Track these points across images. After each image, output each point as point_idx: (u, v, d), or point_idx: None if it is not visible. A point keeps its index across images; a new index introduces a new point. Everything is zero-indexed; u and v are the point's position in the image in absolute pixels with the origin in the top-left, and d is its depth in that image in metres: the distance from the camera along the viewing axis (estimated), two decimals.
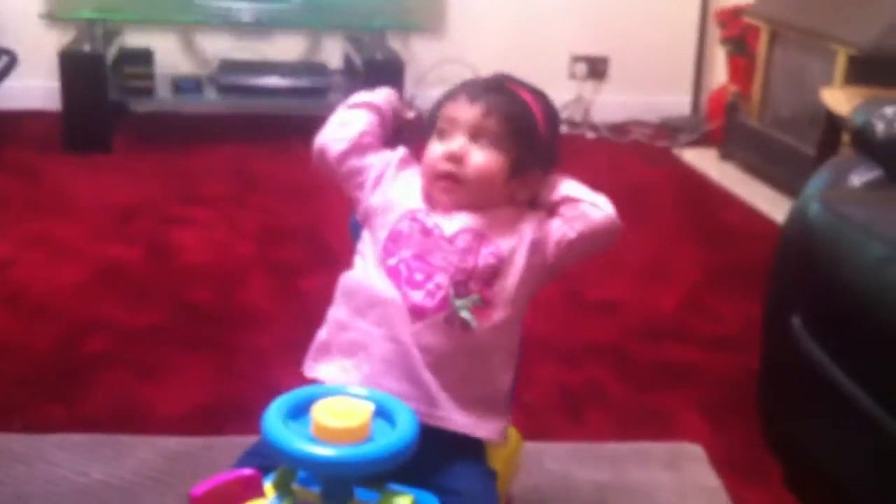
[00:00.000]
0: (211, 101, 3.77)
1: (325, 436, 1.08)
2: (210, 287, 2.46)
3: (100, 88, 3.46)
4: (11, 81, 3.53)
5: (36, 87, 3.72)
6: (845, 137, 2.83)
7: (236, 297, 2.42)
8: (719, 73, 4.07)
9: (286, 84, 3.77)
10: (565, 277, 2.53)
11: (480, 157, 1.32)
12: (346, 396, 1.13)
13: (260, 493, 1.12)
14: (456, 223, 1.31)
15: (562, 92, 4.03)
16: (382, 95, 1.44)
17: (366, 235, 1.36)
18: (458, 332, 1.27)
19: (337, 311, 1.34)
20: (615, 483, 1.74)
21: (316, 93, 3.77)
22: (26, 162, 3.33)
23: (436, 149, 1.34)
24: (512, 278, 1.30)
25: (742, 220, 3.17)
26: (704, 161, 3.71)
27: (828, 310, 1.57)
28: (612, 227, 1.36)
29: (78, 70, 3.43)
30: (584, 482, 1.73)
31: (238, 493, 1.11)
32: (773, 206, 3.16)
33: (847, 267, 1.49)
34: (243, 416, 1.75)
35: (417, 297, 1.28)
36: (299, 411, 1.13)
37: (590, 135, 4.02)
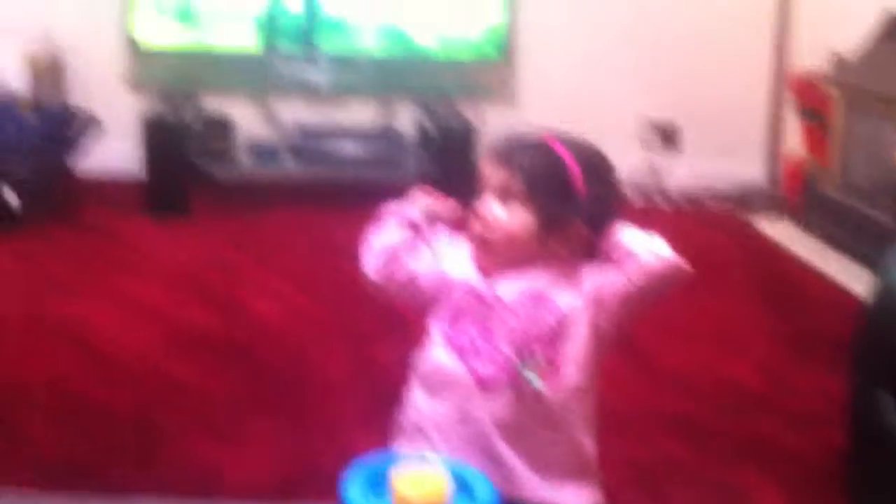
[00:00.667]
0: (288, 167, 3.83)
1: None
2: (284, 352, 2.47)
3: (181, 154, 3.55)
4: (95, 145, 3.63)
5: (118, 151, 3.81)
6: None
7: (310, 363, 2.43)
8: (792, 138, 4.03)
9: (363, 153, 3.82)
10: (637, 347, 2.54)
11: (505, 219, 1.31)
12: (426, 466, 1.13)
13: None
14: (513, 287, 1.31)
15: (633, 159, 4.03)
16: (416, 206, 1.40)
17: (433, 318, 1.37)
18: (529, 399, 1.27)
19: (411, 394, 1.36)
20: None
21: (391, 162, 3.82)
22: (108, 223, 3.42)
23: (473, 210, 1.35)
24: (576, 338, 1.30)
25: (819, 291, 3.11)
26: (780, 231, 3.66)
27: None
28: (674, 273, 1.32)
29: (160, 136, 3.53)
30: None
31: None
32: (852, 276, 3.09)
33: None
34: (316, 484, 1.74)
35: (483, 368, 1.28)
36: (378, 480, 1.13)
37: (662, 203, 4.00)
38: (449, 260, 1.37)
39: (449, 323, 1.33)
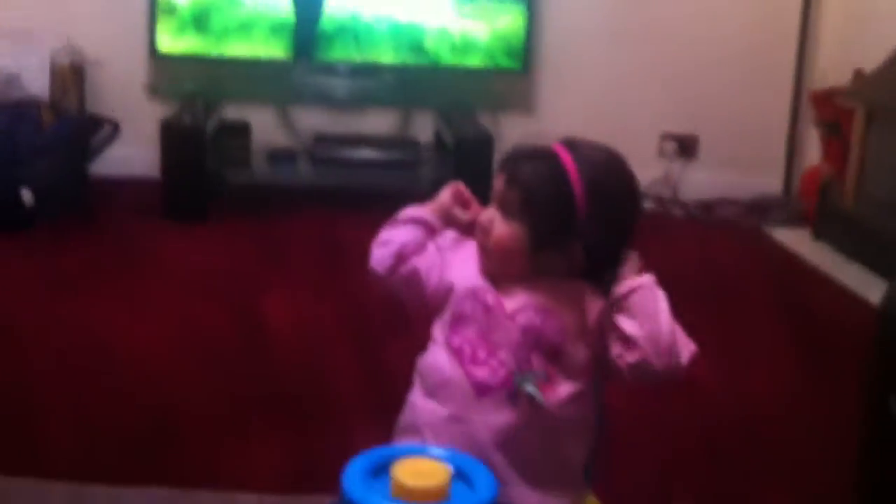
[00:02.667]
0: (305, 173, 3.85)
1: (404, 495, 1.07)
2: (296, 355, 2.48)
3: (199, 159, 3.57)
4: (114, 150, 3.66)
5: (137, 156, 3.85)
6: None
7: (321, 366, 2.43)
8: (811, 152, 4.02)
9: (378, 157, 3.84)
10: None
11: (498, 230, 1.30)
12: (427, 457, 1.13)
13: None
14: (517, 299, 1.30)
15: (651, 170, 4.02)
16: (432, 206, 1.41)
17: (437, 320, 1.36)
18: (525, 408, 1.26)
19: (412, 394, 1.36)
20: None
21: (406, 166, 3.83)
22: (125, 227, 3.44)
23: (482, 215, 1.35)
24: (578, 354, 1.29)
25: (835, 302, 3.09)
26: (796, 242, 3.64)
27: None
28: (671, 377, 1.27)
29: (178, 141, 3.54)
30: None
31: None
32: (868, 288, 3.07)
33: None
34: (322, 481, 1.75)
35: (480, 374, 1.28)
36: (379, 471, 1.13)
37: (678, 213, 3.99)
38: (457, 263, 1.36)
39: (450, 326, 1.32)
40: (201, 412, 2.16)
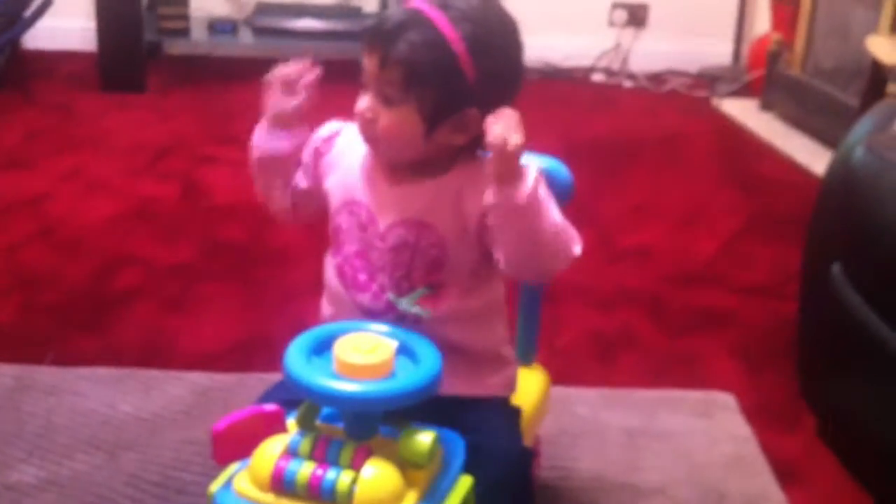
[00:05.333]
0: (245, 43, 3.74)
1: (348, 372, 1.06)
2: (241, 225, 2.45)
3: (135, 29, 3.44)
4: (47, 21, 3.51)
5: (72, 28, 3.71)
6: (891, 87, 2.75)
7: (267, 235, 2.41)
8: (762, 21, 3.97)
9: (321, 27, 3.73)
10: (600, 223, 2.54)
11: (385, 118, 1.15)
12: (369, 333, 1.11)
13: (283, 428, 1.11)
14: (391, 212, 1.19)
15: (600, 40, 3.96)
16: (266, 119, 1.30)
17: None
18: (412, 323, 1.19)
19: (325, 295, 1.30)
20: (645, 429, 1.72)
21: (350, 36, 3.72)
22: (61, 100, 3.34)
23: (358, 103, 1.18)
24: (462, 257, 1.19)
25: (781, 171, 3.10)
26: (744, 111, 3.63)
27: (870, 257, 1.53)
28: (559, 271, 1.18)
29: (114, 11, 3.40)
30: (613, 427, 1.71)
31: (260, 429, 1.10)
32: (814, 157, 3.09)
33: (890, 212, 1.45)
34: (272, 353, 1.74)
35: (363, 299, 1.22)
36: (322, 348, 1.12)
37: (627, 84, 3.95)
38: (335, 164, 1.26)
39: (333, 245, 1.25)
40: (148, 288, 2.14)
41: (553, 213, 1.14)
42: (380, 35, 1.14)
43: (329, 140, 1.29)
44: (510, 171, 1.10)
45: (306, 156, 1.29)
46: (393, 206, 1.20)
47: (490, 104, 1.12)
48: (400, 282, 1.20)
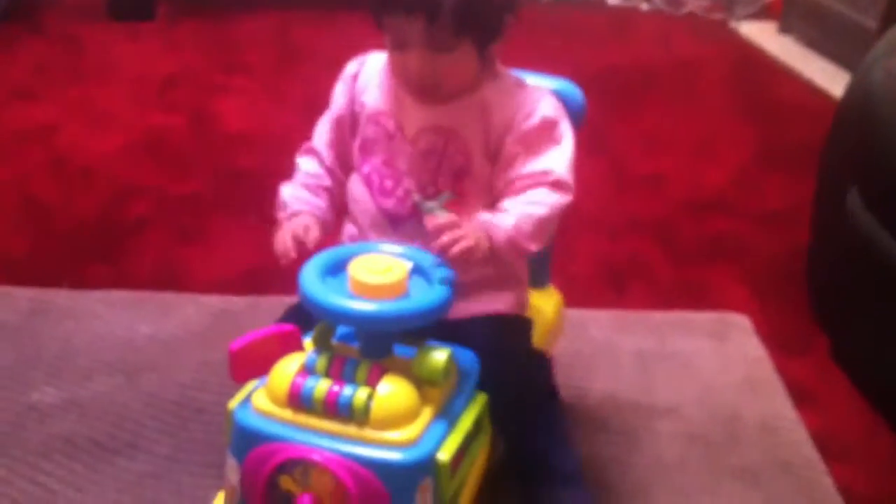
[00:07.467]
0: None
1: (362, 292, 1.07)
2: (252, 154, 2.44)
3: None
4: None
5: None
6: None
7: (278, 164, 2.39)
8: None
9: None
10: (614, 153, 2.53)
11: (444, 66, 1.16)
12: (383, 254, 1.12)
13: (299, 347, 1.12)
14: (419, 121, 1.22)
15: None
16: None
17: (354, 144, 1.30)
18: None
19: (349, 216, 1.31)
20: (658, 351, 1.72)
21: None
22: (69, 29, 3.32)
23: (401, 64, 1.19)
24: (486, 170, 1.22)
25: (798, 96, 3.07)
26: (762, 34, 3.58)
27: (887, 180, 1.51)
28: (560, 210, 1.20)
29: None
30: (626, 349, 1.72)
31: (276, 348, 1.11)
32: (832, 81, 3.05)
33: None
34: (287, 278, 1.76)
35: (389, 204, 1.24)
36: (337, 269, 1.12)
37: (644, 6, 3.89)
38: (360, 88, 1.28)
39: (360, 152, 1.27)
40: (160, 218, 2.14)
41: (535, 217, 1.16)
42: None
43: (356, 76, 1.30)
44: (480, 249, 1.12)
45: (341, 103, 1.30)
46: (421, 114, 1.22)
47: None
48: (426, 187, 1.22)
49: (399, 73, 1.21)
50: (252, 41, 3.28)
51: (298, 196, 1.28)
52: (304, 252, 1.18)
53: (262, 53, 3.17)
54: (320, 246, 1.19)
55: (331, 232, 1.28)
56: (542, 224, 1.17)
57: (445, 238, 1.10)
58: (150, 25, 3.40)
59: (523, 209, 1.17)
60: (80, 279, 1.87)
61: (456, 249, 1.10)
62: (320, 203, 1.27)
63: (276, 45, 3.25)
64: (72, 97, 2.76)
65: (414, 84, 1.20)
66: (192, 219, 2.14)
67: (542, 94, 1.23)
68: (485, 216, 1.16)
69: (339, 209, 1.30)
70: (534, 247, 1.18)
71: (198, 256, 1.99)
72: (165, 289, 1.85)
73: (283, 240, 1.19)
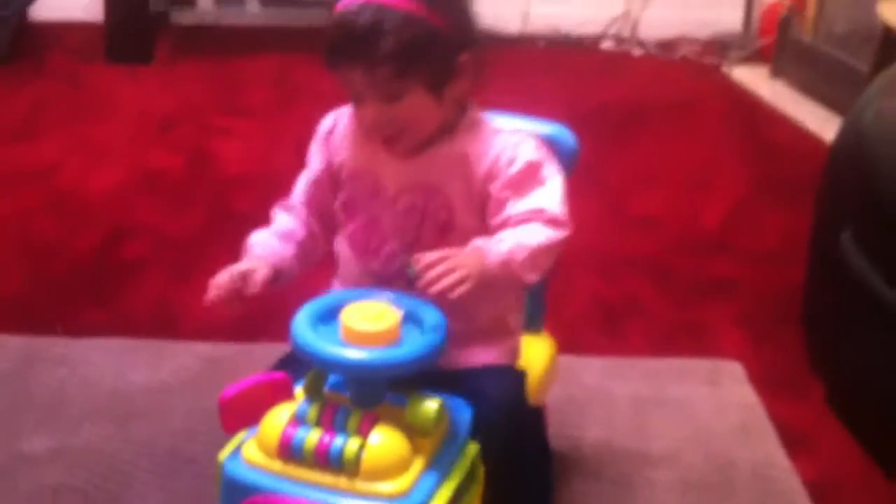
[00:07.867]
0: (253, 12, 3.74)
1: (354, 339, 1.06)
2: (249, 195, 2.45)
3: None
4: None
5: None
6: None
7: (273, 205, 2.40)
8: None
9: None
10: (608, 190, 2.53)
11: (398, 113, 1.16)
12: (375, 301, 1.11)
13: (290, 396, 1.12)
14: (397, 179, 1.21)
15: (609, 7, 3.93)
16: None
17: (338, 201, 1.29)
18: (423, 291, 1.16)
19: (334, 280, 1.31)
20: (652, 398, 1.72)
21: None
22: (69, 70, 3.33)
23: (360, 116, 1.19)
24: (470, 221, 1.21)
25: (790, 138, 3.08)
26: (755, 78, 3.60)
27: (880, 222, 1.52)
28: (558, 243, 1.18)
29: None
30: (620, 396, 1.72)
31: (267, 397, 1.11)
32: (825, 124, 3.05)
33: None
34: (281, 323, 1.75)
35: (375, 265, 1.24)
36: (329, 316, 1.12)
37: (636, 51, 3.92)
38: (335, 145, 1.27)
39: (343, 213, 1.26)
40: (156, 258, 2.14)
41: (531, 246, 1.14)
42: (353, 47, 1.12)
43: (331, 133, 1.29)
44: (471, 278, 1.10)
45: (317, 164, 1.29)
46: (401, 171, 1.21)
47: (468, 35, 1.17)
48: (410, 246, 1.21)
49: (361, 126, 1.21)
50: (252, 82, 3.30)
51: (264, 242, 1.27)
52: (240, 295, 1.18)
53: (261, 95, 3.19)
54: (282, 294, 1.18)
55: (292, 280, 1.27)
56: (537, 254, 1.15)
57: (433, 274, 1.08)
58: (149, 68, 3.41)
59: (518, 238, 1.15)
60: (74, 323, 1.86)
61: (444, 283, 1.08)
62: (285, 252, 1.26)
63: (276, 87, 3.27)
64: (71, 136, 2.78)
65: (375, 136, 1.19)
66: (187, 260, 2.14)
67: (522, 139, 1.22)
68: (478, 241, 1.15)
69: (308, 261, 1.29)
70: (528, 277, 1.16)
71: (192, 298, 1.98)
72: (160, 332, 1.84)
73: (221, 276, 1.19)
